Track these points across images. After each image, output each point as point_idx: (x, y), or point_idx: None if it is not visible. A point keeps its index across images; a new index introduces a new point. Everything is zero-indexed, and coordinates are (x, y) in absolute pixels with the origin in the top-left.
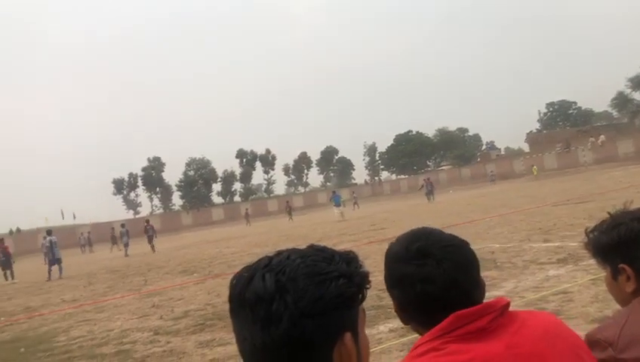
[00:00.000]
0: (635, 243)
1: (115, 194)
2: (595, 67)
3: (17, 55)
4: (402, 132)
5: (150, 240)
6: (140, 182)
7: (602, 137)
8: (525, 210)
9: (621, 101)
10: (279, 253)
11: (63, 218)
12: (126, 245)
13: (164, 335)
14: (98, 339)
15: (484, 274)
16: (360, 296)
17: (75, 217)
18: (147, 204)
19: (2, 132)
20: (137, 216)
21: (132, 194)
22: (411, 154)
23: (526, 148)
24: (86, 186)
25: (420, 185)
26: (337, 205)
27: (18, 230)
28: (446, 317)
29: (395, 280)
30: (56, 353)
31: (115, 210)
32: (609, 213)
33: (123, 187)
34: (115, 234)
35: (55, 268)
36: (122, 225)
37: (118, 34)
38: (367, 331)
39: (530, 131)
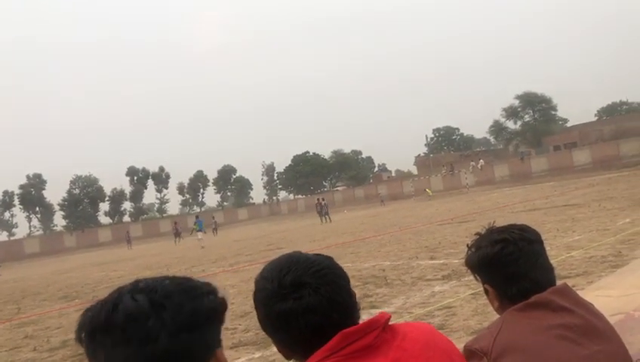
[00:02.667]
0: (491, 266)
1: None
2: (476, 96)
3: None
4: (300, 153)
5: None
6: (16, 201)
7: (482, 161)
8: (413, 228)
9: (497, 129)
10: (141, 279)
11: None
12: None
13: None
14: None
15: (376, 291)
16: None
17: None
18: (25, 224)
19: None
20: (12, 238)
21: (6, 214)
22: (308, 175)
23: (415, 170)
24: None
25: (317, 206)
26: (200, 230)
27: None
28: (328, 341)
29: (275, 321)
30: None
31: None
32: (477, 233)
33: None
34: None
35: None
36: None
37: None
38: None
39: (419, 155)
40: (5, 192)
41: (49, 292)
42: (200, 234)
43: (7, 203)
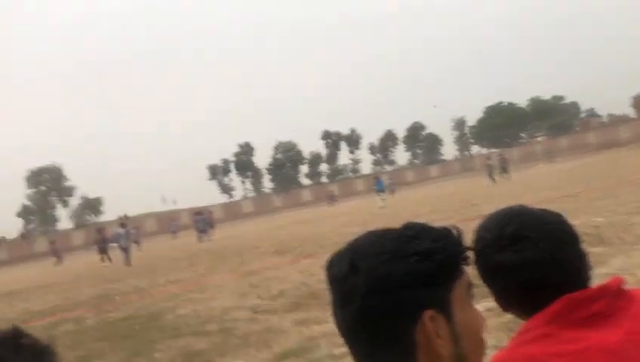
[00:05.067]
0: None
1: (210, 179)
2: None
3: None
4: (492, 103)
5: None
6: (232, 167)
7: None
8: (634, 180)
9: None
10: (365, 234)
11: (165, 203)
12: (202, 231)
13: (262, 313)
14: (202, 317)
15: (588, 250)
16: (443, 273)
17: (175, 203)
18: (240, 187)
19: (113, 119)
20: (231, 200)
21: (226, 179)
22: (503, 127)
23: (632, 113)
24: (184, 173)
25: (485, 166)
26: (380, 191)
27: (126, 216)
28: (552, 300)
29: (492, 270)
30: (166, 330)
31: (211, 195)
32: None
33: (217, 172)
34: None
35: (126, 255)
36: (197, 213)
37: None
38: None
39: (638, 94)
40: (224, 160)
41: (264, 247)
42: (380, 196)
43: (225, 169)
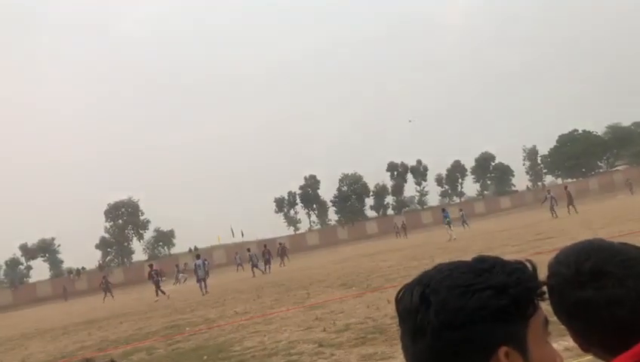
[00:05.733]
0: None
1: (276, 212)
2: None
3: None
4: (565, 132)
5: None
6: (298, 200)
7: None
8: None
9: None
10: (436, 266)
11: (233, 236)
12: (254, 266)
13: (328, 347)
14: (268, 350)
15: None
16: (518, 309)
17: (243, 235)
18: (305, 220)
19: (191, 154)
20: (297, 233)
21: (292, 212)
22: (579, 156)
23: None
24: (252, 206)
25: (543, 199)
26: (448, 222)
27: (195, 248)
28: (638, 340)
29: (571, 308)
30: (233, 361)
31: (277, 227)
32: None
33: (283, 205)
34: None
35: (202, 284)
36: (248, 250)
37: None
38: None
39: None
40: (289, 193)
41: (330, 280)
42: (449, 228)
43: (291, 202)
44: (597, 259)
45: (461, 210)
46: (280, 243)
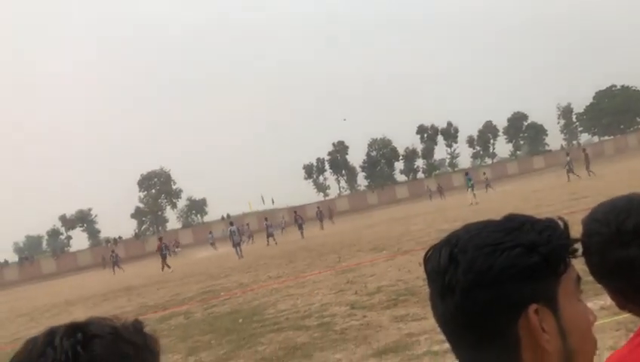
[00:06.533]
0: None
1: (306, 178)
2: None
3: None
4: (603, 88)
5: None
6: (327, 166)
7: None
8: None
9: None
10: (464, 226)
11: (264, 203)
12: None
13: (360, 309)
14: (301, 312)
15: None
16: (548, 266)
17: (273, 202)
18: (335, 186)
19: (219, 129)
20: (326, 198)
21: (321, 178)
22: (617, 112)
23: None
24: (282, 172)
25: (564, 163)
26: (471, 186)
27: (228, 216)
28: None
29: (612, 268)
30: (268, 324)
31: (307, 194)
32: None
33: (312, 171)
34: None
35: (237, 249)
36: (265, 219)
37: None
38: None
39: None
40: (318, 159)
41: (361, 244)
42: (470, 191)
43: (320, 168)
44: (638, 216)
45: (484, 173)
46: (318, 207)
